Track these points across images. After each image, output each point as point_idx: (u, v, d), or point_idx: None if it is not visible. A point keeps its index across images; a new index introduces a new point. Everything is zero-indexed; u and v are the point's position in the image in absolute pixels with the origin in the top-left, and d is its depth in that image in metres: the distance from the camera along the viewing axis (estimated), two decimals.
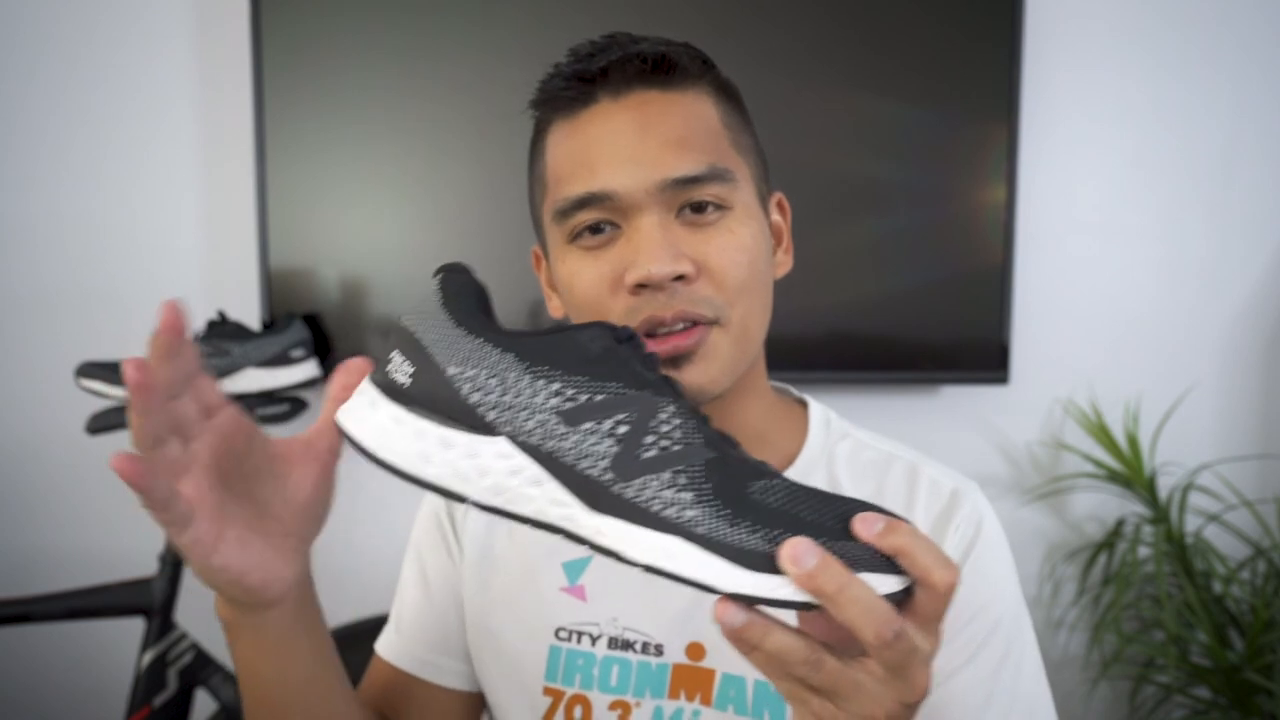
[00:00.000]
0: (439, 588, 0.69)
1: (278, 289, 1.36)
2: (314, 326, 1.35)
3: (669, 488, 0.39)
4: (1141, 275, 1.41)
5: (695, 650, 0.62)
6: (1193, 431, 1.42)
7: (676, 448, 0.40)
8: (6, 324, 1.46)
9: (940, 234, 1.32)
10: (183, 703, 1.22)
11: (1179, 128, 1.39)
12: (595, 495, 0.39)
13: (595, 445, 0.40)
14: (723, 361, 0.57)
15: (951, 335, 1.33)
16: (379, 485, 1.23)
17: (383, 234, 1.35)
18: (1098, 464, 1.37)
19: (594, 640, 0.64)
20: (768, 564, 0.38)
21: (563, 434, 0.40)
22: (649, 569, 0.39)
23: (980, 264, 1.32)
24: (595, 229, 0.58)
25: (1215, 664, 1.27)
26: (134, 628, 1.37)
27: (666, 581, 0.39)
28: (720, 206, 0.57)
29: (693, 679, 0.62)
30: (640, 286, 0.55)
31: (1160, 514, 1.33)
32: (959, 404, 1.42)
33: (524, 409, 0.40)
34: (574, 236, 0.59)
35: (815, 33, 1.30)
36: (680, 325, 0.56)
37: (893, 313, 1.33)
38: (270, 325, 1.34)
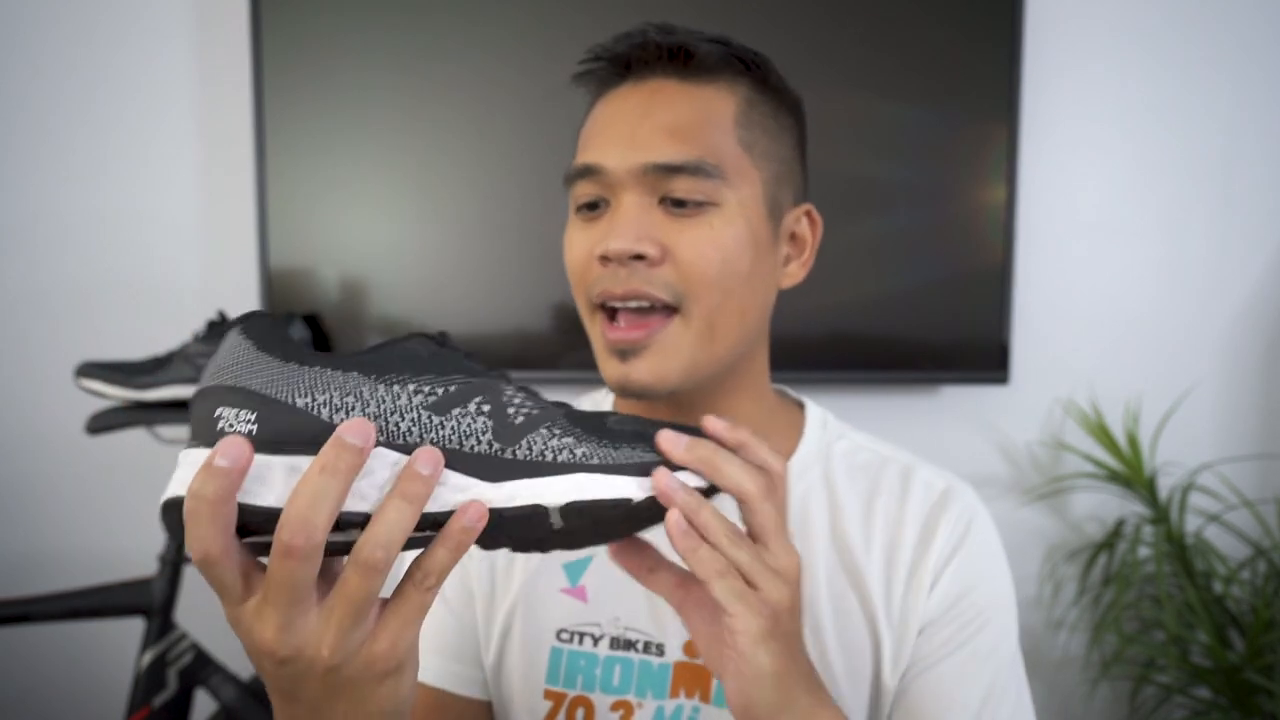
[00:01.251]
0: (455, 595, 0.69)
1: (278, 289, 1.36)
2: (314, 326, 1.35)
3: (551, 438, 0.42)
4: (1141, 275, 1.41)
5: (693, 647, 0.62)
6: (1193, 431, 1.42)
7: (536, 411, 0.43)
8: (6, 324, 1.46)
9: (940, 234, 1.32)
10: (183, 703, 1.22)
11: (1179, 128, 1.39)
12: (492, 467, 0.41)
13: (472, 424, 0.41)
14: (679, 358, 0.58)
15: (951, 335, 1.33)
16: None
17: (383, 234, 1.35)
18: (1098, 464, 1.37)
19: (596, 641, 0.64)
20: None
21: (439, 424, 0.41)
22: (569, 506, 0.41)
23: (980, 264, 1.32)
24: (593, 205, 0.60)
25: (1215, 664, 1.27)
26: (134, 628, 1.38)
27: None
28: (706, 202, 0.58)
29: (692, 676, 0.62)
30: (605, 260, 0.57)
31: (1160, 514, 1.33)
32: (959, 404, 1.42)
33: (393, 413, 0.40)
34: (578, 208, 0.62)
35: (815, 33, 1.30)
36: (633, 304, 0.57)
37: (893, 313, 1.33)
38: None
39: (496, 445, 0.41)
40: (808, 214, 0.66)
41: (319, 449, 0.37)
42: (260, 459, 0.38)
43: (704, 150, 0.58)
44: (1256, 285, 1.41)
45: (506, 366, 1.34)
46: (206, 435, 0.39)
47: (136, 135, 1.43)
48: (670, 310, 0.58)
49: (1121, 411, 1.41)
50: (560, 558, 0.66)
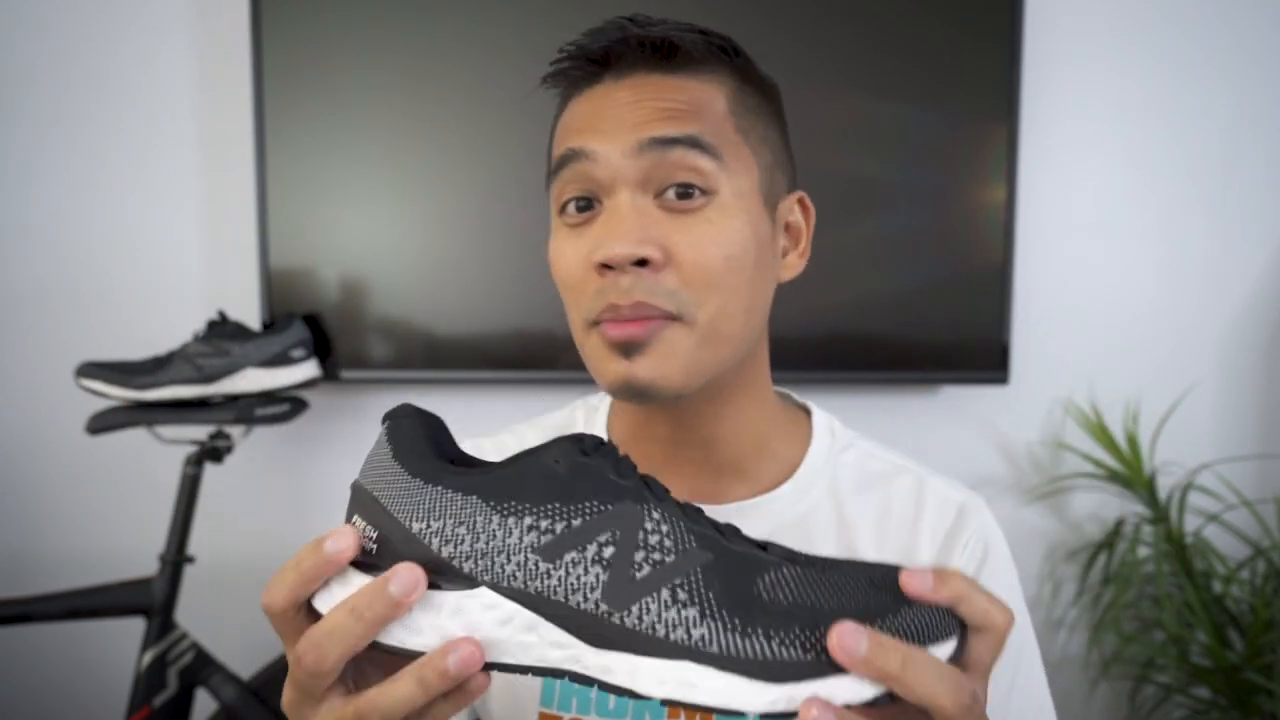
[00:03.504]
0: None
1: (278, 289, 1.36)
2: (314, 326, 1.35)
3: (670, 607, 0.36)
4: (1141, 275, 1.41)
5: None
6: (1193, 431, 1.42)
7: (670, 559, 0.37)
8: (6, 324, 1.46)
9: (940, 234, 1.32)
10: (183, 703, 1.22)
11: (1179, 127, 1.39)
12: (594, 630, 0.36)
13: (582, 576, 0.36)
14: (681, 359, 0.54)
15: (951, 335, 1.33)
16: None
17: (383, 234, 1.35)
18: (1098, 464, 1.37)
19: None
20: (795, 671, 0.34)
21: (545, 571, 0.37)
22: (667, 702, 0.35)
23: (980, 264, 1.32)
24: (582, 206, 0.57)
25: (1215, 664, 1.27)
26: (134, 628, 1.37)
27: None
28: (705, 191, 0.54)
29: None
30: (605, 268, 0.53)
31: (1160, 514, 1.33)
32: (959, 404, 1.42)
33: (500, 553, 0.37)
34: (561, 209, 0.58)
35: (815, 33, 1.30)
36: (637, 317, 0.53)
37: (893, 313, 1.33)
38: (270, 325, 1.34)
39: (604, 607, 0.36)
40: (800, 202, 0.64)
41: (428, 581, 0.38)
42: (365, 580, 0.39)
43: (703, 130, 0.55)
44: (1256, 285, 1.41)
45: (506, 367, 1.34)
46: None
47: (136, 135, 1.43)
48: (670, 316, 0.54)
49: (1121, 411, 1.41)
50: None
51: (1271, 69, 1.38)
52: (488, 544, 0.37)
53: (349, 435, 1.45)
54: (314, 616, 0.40)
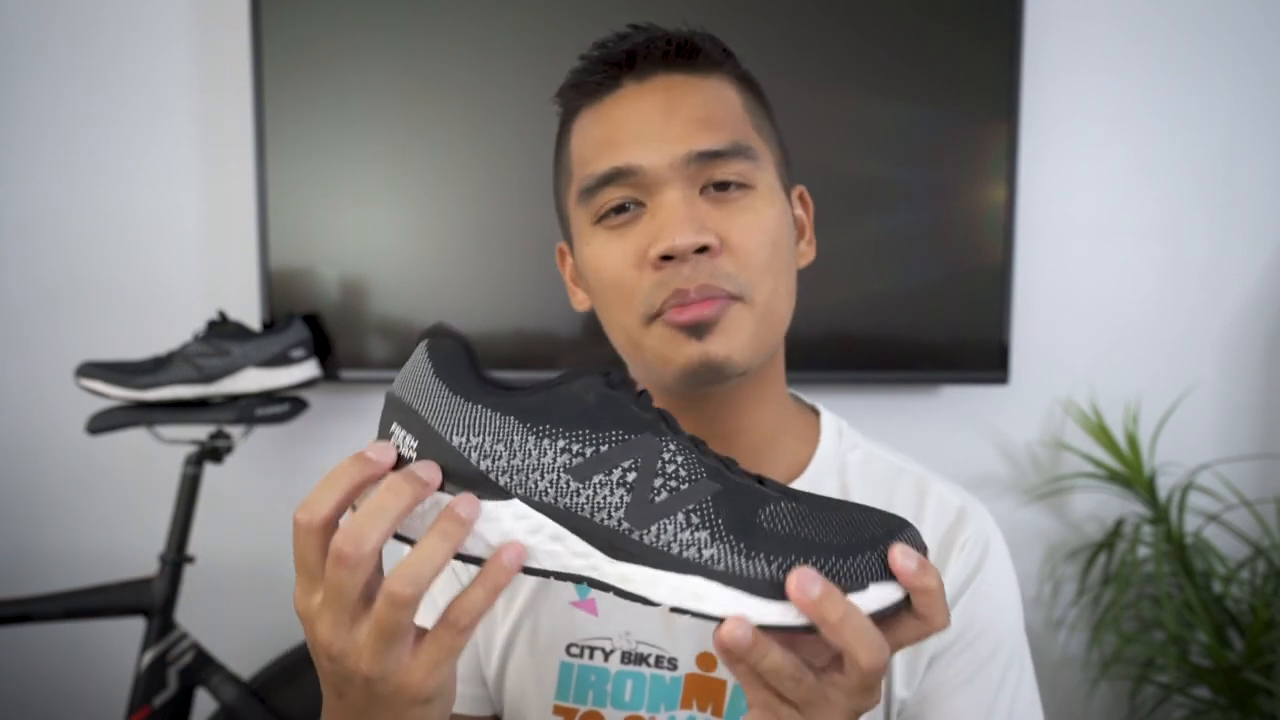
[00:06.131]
0: None
1: (278, 289, 1.36)
2: (314, 326, 1.35)
3: (685, 529, 0.40)
4: (1141, 275, 1.41)
5: (706, 660, 0.61)
6: (1193, 431, 1.42)
7: (684, 486, 0.41)
8: (7, 324, 1.46)
9: (940, 234, 1.32)
10: (183, 703, 1.22)
11: (1180, 127, 1.39)
12: (615, 544, 0.41)
13: (608, 497, 0.41)
14: (745, 337, 0.57)
15: (951, 335, 1.33)
16: None
17: (383, 234, 1.35)
18: (1098, 464, 1.37)
19: (607, 655, 0.62)
20: (784, 592, 0.39)
21: (575, 490, 0.41)
22: (676, 610, 0.40)
23: (980, 264, 1.32)
24: (620, 209, 0.58)
25: (1215, 664, 1.27)
26: (134, 628, 1.38)
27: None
28: (744, 185, 0.58)
29: (704, 689, 0.61)
30: (664, 259, 0.55)
31: (1160, 514, 1.33)
32: (959, 404, 1.42)
33: (534, 470, 0.41)
34: (599, 217, 0.59)
35: (815, 33, 1.30)
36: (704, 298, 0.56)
37: (893, 313, 1.33)
38: (270, 325, 1.34)
39: (626, 524, 0.41)
40: (800, 196, 0.68)
41: (463, 490, 0.41)
42: None
43: (738, 134, 0.58)
44: (1256, 285, 1.41)
45: (506, 367, 1.34)
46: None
47: (137, 135, 1.43)
48: (733, 297, 0.56)
49: (1121, 411, 1.41)
50: None
51: (1271, 69, 1.38)
52: (523, 461, 0.41)
53: (349, 435, 1.45)
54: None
